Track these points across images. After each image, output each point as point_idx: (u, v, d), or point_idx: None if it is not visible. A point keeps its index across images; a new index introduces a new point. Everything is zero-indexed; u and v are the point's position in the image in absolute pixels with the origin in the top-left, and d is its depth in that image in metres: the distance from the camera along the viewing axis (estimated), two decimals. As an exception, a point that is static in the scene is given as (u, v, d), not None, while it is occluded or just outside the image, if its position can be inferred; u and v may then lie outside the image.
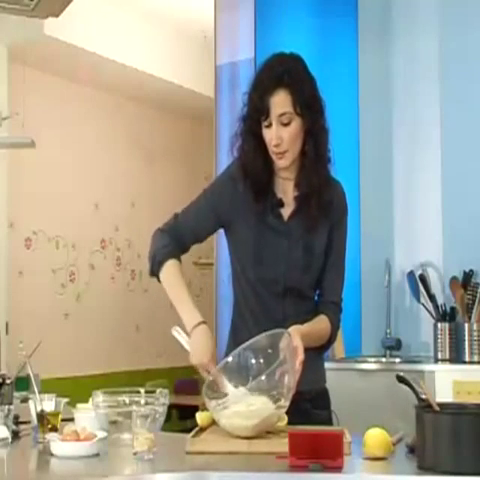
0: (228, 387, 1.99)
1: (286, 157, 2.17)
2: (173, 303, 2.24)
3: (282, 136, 2.13)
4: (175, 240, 2.28)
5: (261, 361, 2.00)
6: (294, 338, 2.03)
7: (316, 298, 2.31)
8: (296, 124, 2.14)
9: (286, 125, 2.13)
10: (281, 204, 2.24)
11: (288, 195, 2.25)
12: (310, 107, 2.15)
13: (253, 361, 2.00)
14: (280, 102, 2.12)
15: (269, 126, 2.14)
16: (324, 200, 2.20)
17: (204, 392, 1.96)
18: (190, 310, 2.19)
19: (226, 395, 1.96)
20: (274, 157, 2.19)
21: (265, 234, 2.22)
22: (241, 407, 1.91)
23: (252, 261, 2.23)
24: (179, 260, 2.28)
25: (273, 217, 2.23)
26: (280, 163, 2.19)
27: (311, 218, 2.20)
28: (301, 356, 2.01)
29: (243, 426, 1.91)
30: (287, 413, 2.00)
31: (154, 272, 2.30)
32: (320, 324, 2.23)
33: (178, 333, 2.18)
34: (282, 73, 2.13)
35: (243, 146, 2.22)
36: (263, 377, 1.92)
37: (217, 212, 2.27)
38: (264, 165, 2.21)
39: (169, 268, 2.26)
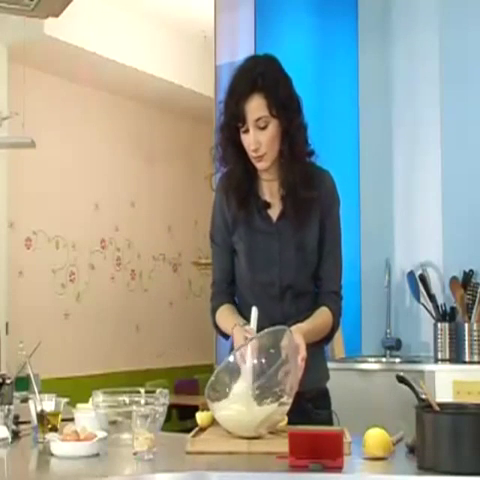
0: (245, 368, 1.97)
1: (265, 159, 2.19)
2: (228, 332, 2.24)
3: (260, 140, 2.15)
4: (219, 294, 2.35)
5: (263, 361, 2.00)
6: (296, 336, 2.03)
7: (315, 290, 2.31)
8: (273, 126, 2.15)
9: (263, 129, 2.14)
10: (267, 206, 2.25)
11: (275, 196, 2.26)
12: (286, 107, 2.15)
13: (255, 361, 2.00)
14: (255, 107, 2.12)
15: (246, 131, 2.15)
16: (301, 198, 2.19)
17: (206, 394, 1.96)
18: (228, 322, 2.22)
19: (227, 395, 1.96)
20: (254, 161, 2.20)
21: (256, 238, 2.24)
22: (243, 407, 1.91)
23: (247, 267, 2.26)
24: (228, 302, 2.33)
25: (261, 220, 2.25)
26: (260, 166, 2.21)
27: (297, 216, 2.21)
28: (303, 353, 2.01)
29: (246, 426, 1.91)
30: (287, 413, 2.00)
31: (219, 332, 2.35)
32: (321, 317, 2.23)
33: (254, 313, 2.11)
34: (256, 77, 2.13)
35: (224, 156, 2.24)
36: (264, 380, 1.93)
37: (227, 245, 2.31)
38: (245, 172, 2.23)
39: (217, 318, 2.33)
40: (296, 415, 2.04)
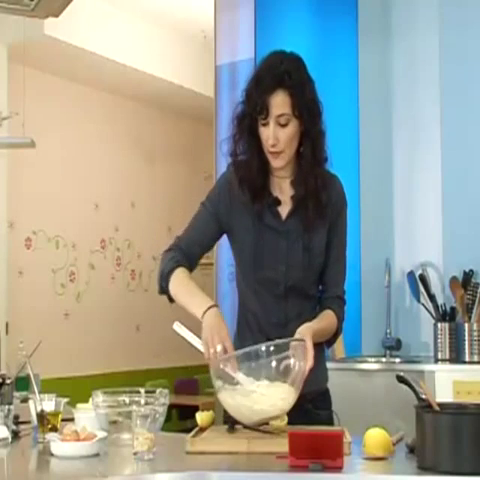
0: (238, 375, 1.96)
1: (281, 157, 2.17)
2: (182, 302, 2.16)
3: (278, 136, 2.14)
4: (182, 254, 2.24)
5: (271, 349, 1.98)
6: (306, 340, 2.02)
7: (319, 294, 2.30)
8: (293, 126, 2.14)
9: (283, 126, 2.13)
10: (278, 202, 2.23)
11: (285, 193, 2.24)
12: (309, 110, 2.15)
13: (263, 348, 1.98)
14: (279, 103, 2.12)
15: (266, 125, 2.14)
16: (321, 202, 2.19)
17: (213, 372, 1.97)
18: (200, 298, 2.12)
19: (237, 382, 1.96)
20: (269, 156, 2.18)
21: (264, 235, 2.21)
22: (247, 402, 1.94)
23: (252, 263, 2.22)
24: (188, 269, 2.23)
25: (271, 217, 2.22)
26: (275, 163, 2.19)
27: (309, 219, 2.20)
28: (310, 362, 2.00)
29: (247, 417, 1.95)
30: (288, 413, 2.01)
31: (162, 286, 2.23)
32: (327, 319, 2.22)
33: (179, 328, 2.09)
34: (283, 73, 2.12)
35: (240, 146, 2.21)
36: (273, 363, 1.94)
37: (217, 217, 2.26)
38: (260, 164, 2.20)
39: (177, 275, 2.20)
40: (297, 415, 2.05)
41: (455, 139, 4.09)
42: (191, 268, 2.24)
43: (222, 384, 1.97)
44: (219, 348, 1.98)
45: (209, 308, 2.06)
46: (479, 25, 4.07)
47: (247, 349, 1.97)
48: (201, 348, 2.03)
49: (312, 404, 2.22)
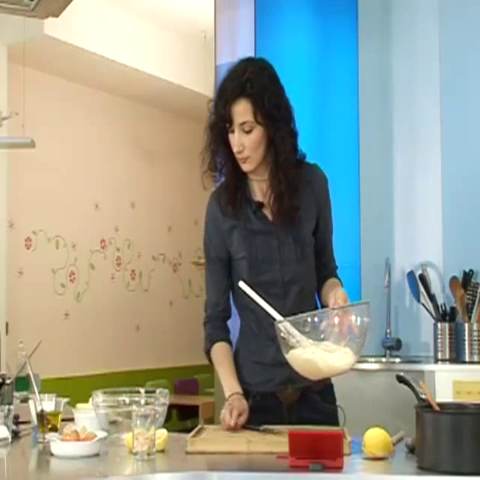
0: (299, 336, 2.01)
1: (249, 162, 2.23)
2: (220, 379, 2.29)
3: (244, 143, 2.20)
4: (213, 322, 2.33)
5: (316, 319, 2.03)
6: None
7: (318, 273, 2.34)
8: (257, 132, 2.19)
9: (248, 132, 2.19)
10: (261, 206, 2.27)
11: (267, 195, 2.27)
12: (271, 116, 2.19)
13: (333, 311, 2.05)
14: (241, 111, 2.18)
15: (233, 132, 2.21)
16: (286, 206, 2.22)
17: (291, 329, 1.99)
18: (228, 381, 2.23)
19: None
20: (239, 161, 2.25)
21: (255, 240, 2.25)
22: (329, 358, 1.99)
23: (248, 269, 2.25)
24: (223, 340, 2.32)
25: (258, 221, 2.26)
26: (244, 167, 2.25)
27: (285, 221, 2.24)
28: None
29: (322, 372, 1.99)
30: (296, 405, 2.10)
31: (210, 361, 2.35)
32: (339, 285, 2.29)
33: (245, 286, 2.15)
34: (245, 82, 2.17)
35: (213, 158, 2.27)
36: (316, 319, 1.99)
37: (221, 259, 2.31)
38: (234, 170, 2.26)
39: (213, 353, 2.31)
40: (305, 407, 2.17)
41: (455, 139, 4.09)
42: (226, 326, 2.34)
43: (305, 339, 1.99)
44: (235, 412, 2.08)
45: (234, 394, 2.17)
46: (479, 25, 4.07)
47: (316, 312, 2.07)
48: (265, 306, 2.09)
49: (320, 396, 2.26)
